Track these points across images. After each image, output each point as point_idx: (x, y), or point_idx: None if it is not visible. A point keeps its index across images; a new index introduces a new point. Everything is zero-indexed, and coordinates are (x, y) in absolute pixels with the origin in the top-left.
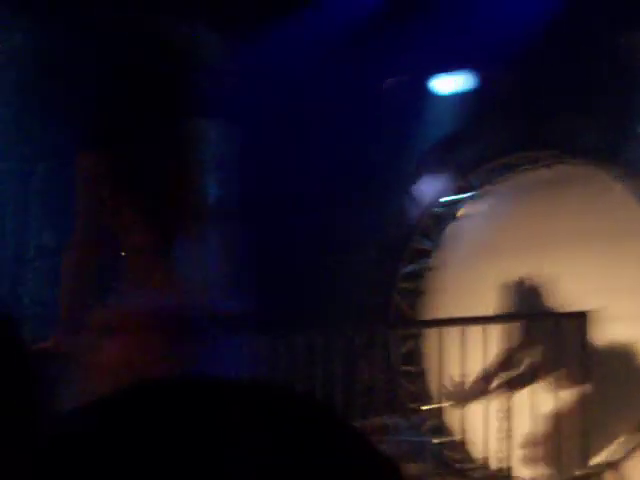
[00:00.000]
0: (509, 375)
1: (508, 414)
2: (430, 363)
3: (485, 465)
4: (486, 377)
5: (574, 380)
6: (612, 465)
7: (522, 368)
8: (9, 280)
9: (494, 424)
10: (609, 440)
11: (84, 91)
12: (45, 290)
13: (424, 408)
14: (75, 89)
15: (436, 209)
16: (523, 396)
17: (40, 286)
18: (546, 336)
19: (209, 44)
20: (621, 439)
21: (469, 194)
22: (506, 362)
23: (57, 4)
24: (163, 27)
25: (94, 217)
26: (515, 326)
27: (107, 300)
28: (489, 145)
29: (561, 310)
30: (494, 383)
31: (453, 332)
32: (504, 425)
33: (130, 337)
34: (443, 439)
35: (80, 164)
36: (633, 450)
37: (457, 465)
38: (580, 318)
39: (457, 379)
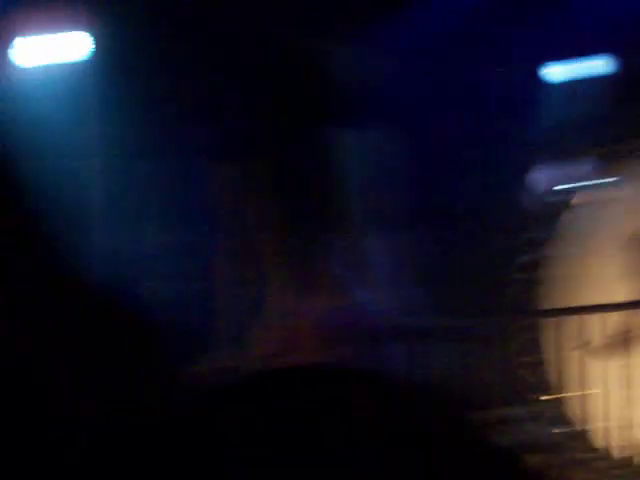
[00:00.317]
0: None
1: (630, 403)
2: (549, 353)
3: (607, 455)
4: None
5: None
6: None
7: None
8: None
9: (616, 413)
10: None
11: (231, 98)
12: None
13: (544, 398)
14: (221, 96)
15: (551, 198)
16: None
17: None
18: None
19: (346, 52)
20: None
21: (584, 182)
22: (624, 347)
23: (210, 17)
24: (309, 38)
25: (248, 225)
26: (634, 314)
27: (274, 314)
28: (603, 132)
29: None
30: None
31: (571, 321)
32: (627, 414)
33: (303, 346)
34: (564, 429)
35: (228, 173)
36: None
37: (579, 455)
38: None
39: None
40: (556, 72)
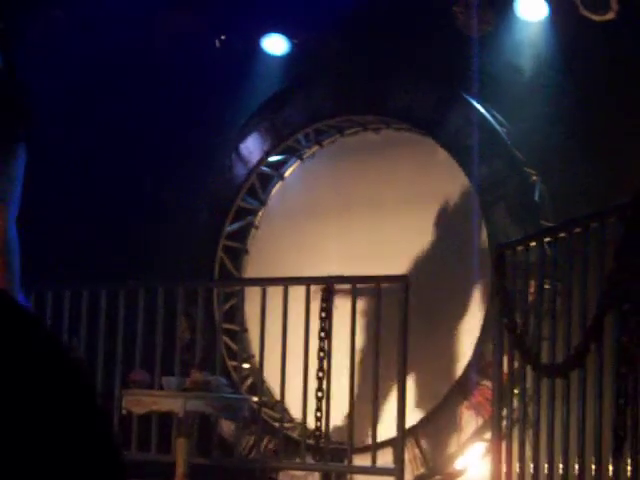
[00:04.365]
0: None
1: (325, 374)
2: (251, 322)
3: (303, 424)
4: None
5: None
6: None
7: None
8: None
9: (313, 385)
10: None
11: None
12: None
13: (244, 366)
14: None
15: (263, 168)
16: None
17: None
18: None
19: None
20: None
21: (297, 154)
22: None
23: None
24: None
25: None
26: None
27: None
28: (318, 106)
29: (382, 273)
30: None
31: (275, 291)
32: (321, 386)
33: None
34: (262, 398)
35: None
36: None
37: (275, 423)
38: (402, 281)
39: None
40: (274, 44)
